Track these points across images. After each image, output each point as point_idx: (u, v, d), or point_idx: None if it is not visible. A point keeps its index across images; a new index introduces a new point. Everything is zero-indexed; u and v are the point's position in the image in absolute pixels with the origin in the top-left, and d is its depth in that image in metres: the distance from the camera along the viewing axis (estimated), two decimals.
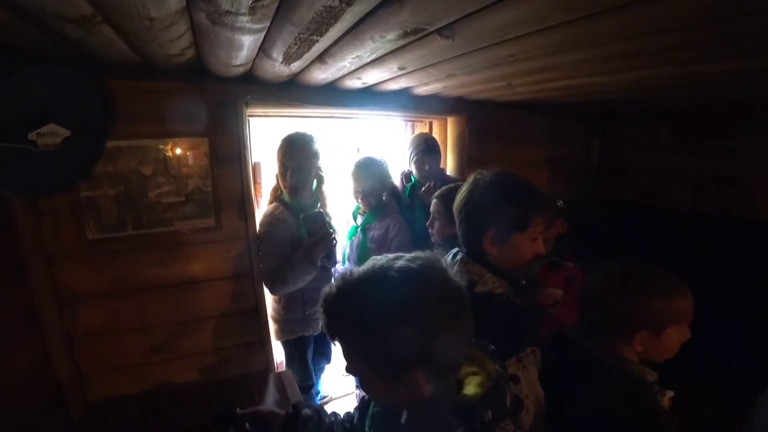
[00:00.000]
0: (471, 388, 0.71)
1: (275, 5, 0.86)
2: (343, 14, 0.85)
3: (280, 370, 2.04)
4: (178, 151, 1.60)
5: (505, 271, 1.07)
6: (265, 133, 2.61)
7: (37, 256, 1.49)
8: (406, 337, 0.63)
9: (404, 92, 1.83)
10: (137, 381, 1.71)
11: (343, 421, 1.00)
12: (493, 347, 0.77)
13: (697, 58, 1.14)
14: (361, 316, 0.66)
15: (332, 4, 0.80)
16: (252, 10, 0.86)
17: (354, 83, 1.59)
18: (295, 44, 1.09)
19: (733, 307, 2.12)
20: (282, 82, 1.63)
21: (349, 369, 0.75)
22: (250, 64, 1.39)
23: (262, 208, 2.02)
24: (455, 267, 0.83)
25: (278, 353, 2.05)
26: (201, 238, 1.67)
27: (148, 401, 1.66)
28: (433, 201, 1.69)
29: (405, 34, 0.96)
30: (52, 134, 1.30)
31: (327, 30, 0.96)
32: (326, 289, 0.72)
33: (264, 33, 1.05)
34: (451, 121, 2.23)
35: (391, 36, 0.98)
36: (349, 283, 0.69)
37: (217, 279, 1.71)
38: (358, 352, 0.71)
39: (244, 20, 0.92)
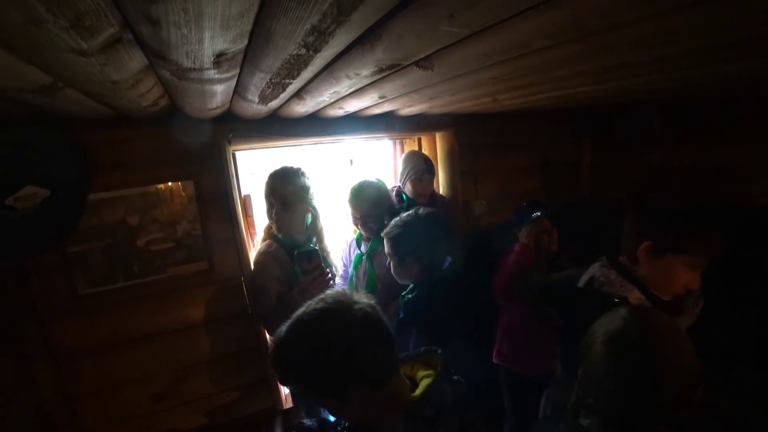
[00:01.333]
0: (418, 390, 0.86)
1: (240, 56, 0.82)
2: (313, 59, 0.81)
3: (287, 406, 1.99)
4: (164, 196, 1.56)
5: None
6: (254, 164, 2.58)
7: (28, 315, 1.46)
8: (331, 364, 0.77)
9: (389, 115, 1.79)
10: (143, 429, 1.67)
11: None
12: (440, 351, 0.96)
13: (686, 65, 1.10)
14: (293, 361, 0.82)
15: (299, 53, 0.76)
16: (216, 64, 0.82)
17: (336, 112, 1.56)
18: (269, 88, 1.05)
19: (739, 299, 2.10)
20: (263, 117, 1.60)
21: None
22: (228, 105, 1.36)
23: (256, 243, 1.98)
24: None
25: (285, 389, 2.01)
26: (195, 282, 1.63)
27: None
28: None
29: (381, 70, 0.92)
30: (31, 196, 1.27)
31: (299, 74, 0.92)
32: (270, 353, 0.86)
33: (235, 79, 1.02)
34: (439, 137, 2.19)
35: (366, 72, 0.94)
36: (277, 343, 0.83)
37: (215, 321, 1.68)
38: (306, 388, 0.84)
39: (211, 73, 0.89)
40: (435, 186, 2.25)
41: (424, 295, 1.49)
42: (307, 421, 1.02)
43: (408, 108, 1.65)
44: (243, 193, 2.08)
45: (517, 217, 1.83)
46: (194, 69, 0.83)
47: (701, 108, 2.23)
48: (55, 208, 1.34)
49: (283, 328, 0.84)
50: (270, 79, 0.97)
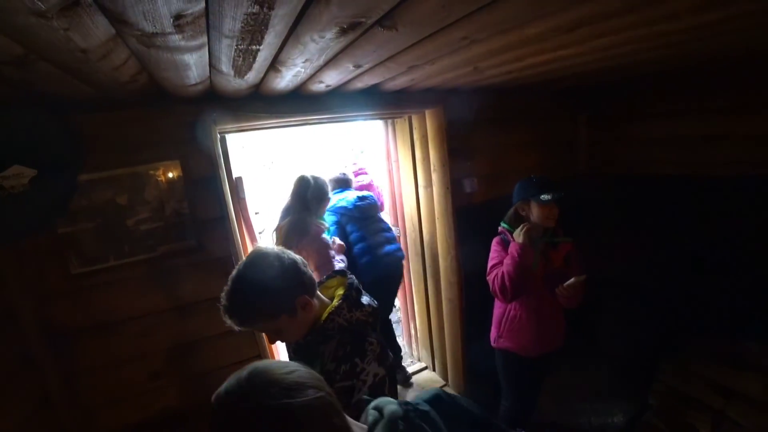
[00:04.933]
0: (335, 300, 1.17)
1: (202, 20, 0.83)
2: (270, 19, 0.83)
3: None
4: (152, 177, 1.59)
5: None
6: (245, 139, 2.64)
7: (25, 297, 1.50)
8: (284, 283, 1.06)
9: (373, 90, 1.80)
10: (142, 409, 1.72)
11: None
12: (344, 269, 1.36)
13: (663, 15, 1.08)
14: (251, 298, 1.04)
15: (254, 11, 0.77)
16: (178, 27, 0.83)
17: (318, 87, 1.56)
18: (239, 56, 1.07)
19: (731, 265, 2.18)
20: (247, 96, 1.62)
21: (272, 339, 1.14)
22: (207, 81, 1.37)
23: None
24: None
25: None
26: (185, 261, 1.66)
27: (155, 428, 1.66)
28: None
29: (343, 31, 0.93)
30: (17, 176, 1.30)
31: (263, 37, 0.93)
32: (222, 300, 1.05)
33: (206, 49, 1.03)
34: (429, 114, 2.19)
35: (330, 35, 0.95)
36: (232, 292, 1.05)
37: (206, 299, 1.70)
38: (262, 318, 1.07)
39: (176, 39, 0.90)
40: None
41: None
42: None
43: (391, 82, 1.65)
44: (235, 175, 2.11)
45: (520, 193, 1.83)
46: (157, 34, 0.85)
47: (694, 77, 2.20)
48: (44, 188, 1.37)
49: (229, 284, 1.05)
50: (237, 46, 0.98)
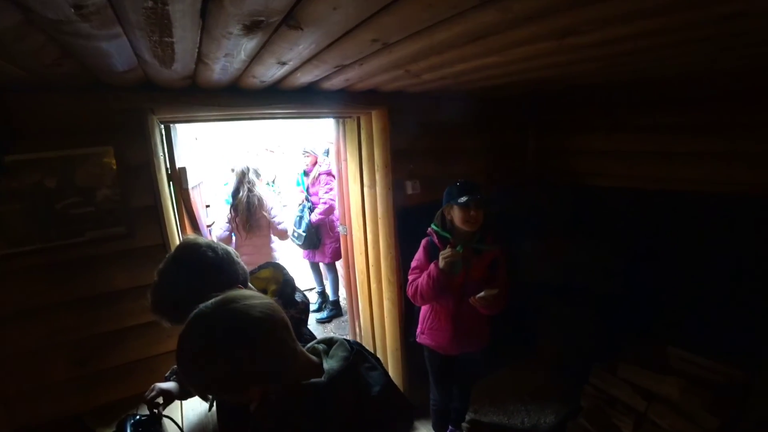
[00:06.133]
0: (268, 295, 1.20)
1: (109, 11, 0.87)
2: (171, 14, 0.87)
3: None
4: (83, 161, 1.60)
5: None
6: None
7: None
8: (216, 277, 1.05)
9: (314, 89, 1.86)
10: (65, 399, 1.71)
11: None
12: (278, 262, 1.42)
13: (569, 27, 1.13)
14: (175, 292, 1.02)
15: (150, 5, 0.82)
16: (83, 17, 0.87)
17: (253, 82, 1.61)
18: (156, 47, 1.11)
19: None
20: (185, 87, 1.65)
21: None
22: (139, 70, 1.40)
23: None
24: None
25: None
26: (115, 248, 1.67)
27: (78, 419, 1.66)
28: None
29: (247, 28, 0.98)
30: None
31: (171, 31, 0.98)
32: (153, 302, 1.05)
33: (124, 39, 1.06)
34: (375, 115, 2.26)
35: (236, 31, 1.00)
36: (159, 289, 1.05)
37: (135, 287, 1.71)
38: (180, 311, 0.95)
39: (86, 27, 0.94)
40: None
41: None
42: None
43: (328, 81, 1.71)
44: (179, 164, 2.13)
45: (446, 197, 1.91)
46: (62, 21, 0.88)
47: (640, 94, 2.34)
48: None
49: (156, 277, 1.06)
50: (149, 37, 1.02)
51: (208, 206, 2.93)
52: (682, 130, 2.23)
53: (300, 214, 3.87)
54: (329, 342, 1.01)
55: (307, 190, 3.85)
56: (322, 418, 0.86)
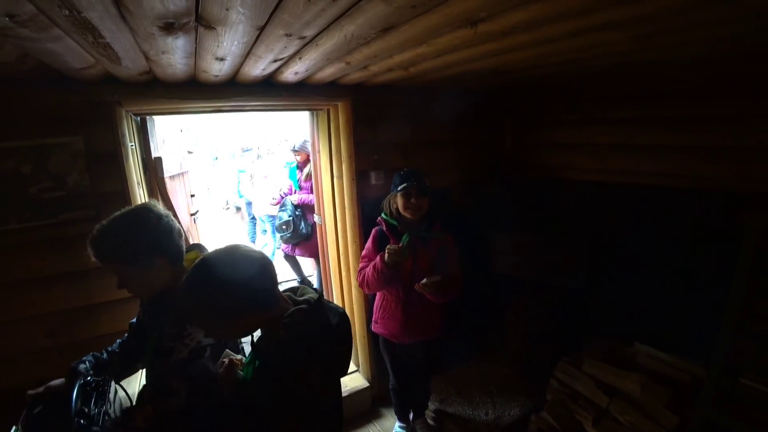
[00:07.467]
0: None
1: (43, 18, 0.98)
2: (90, 20, 0.99)
3: None
4: (55, 150, 1.75)
5: None
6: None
7: None
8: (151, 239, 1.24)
9: (270, 82, 1.96)
10: (33, 369, 1.83)
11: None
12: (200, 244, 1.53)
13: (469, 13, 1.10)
14: (118, 234, 1.24)
15: (66, 14, 0.94)
16: (20, 24, 0.99)
17: (206, 76, 1.73)
18: (96, 48, 1.23)
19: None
20: (148, 81, 1.77)
21: (119, 284, 1.28)
22: (100, 66, 1.52)
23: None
24: None
25: None
26: (85, 229, 1.81)
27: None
28: None
29: (163, 29, 1.08)
30: None
31: (100, 33, 1.09)
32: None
33: (68, 39, 1.17)
34: (340, 107, 2.35)
35: (156, 32, 1.10)
36: (102, 236, 1.24)
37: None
38: (120, 258, 1.23)
39: (26, 32, 1.06)
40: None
41: None
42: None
43: (281, 75, 1.81)
44: (156, 154, 2.27)
45: (392, 183, 2.00)
46: (4, 27, 1.01)
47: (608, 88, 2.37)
48: None
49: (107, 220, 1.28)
50: (85, 39, 1.14)
51: (193, 195, 3.07)
52: (645, 123, 2.24)
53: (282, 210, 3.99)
54: (293, 289, 1.21)
55: (298, 184, 3.99)
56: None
